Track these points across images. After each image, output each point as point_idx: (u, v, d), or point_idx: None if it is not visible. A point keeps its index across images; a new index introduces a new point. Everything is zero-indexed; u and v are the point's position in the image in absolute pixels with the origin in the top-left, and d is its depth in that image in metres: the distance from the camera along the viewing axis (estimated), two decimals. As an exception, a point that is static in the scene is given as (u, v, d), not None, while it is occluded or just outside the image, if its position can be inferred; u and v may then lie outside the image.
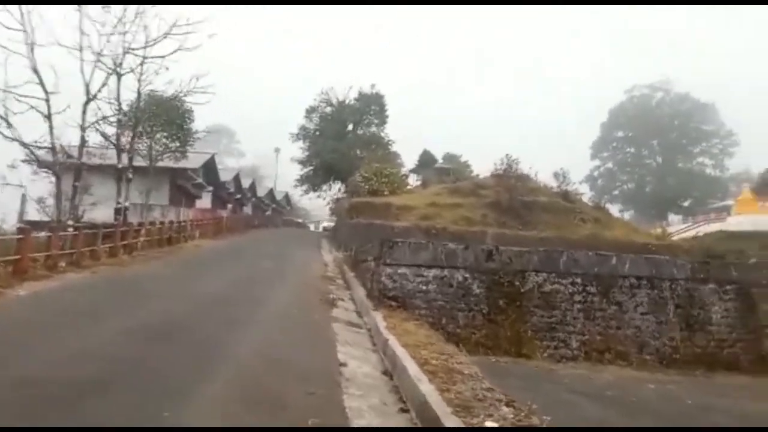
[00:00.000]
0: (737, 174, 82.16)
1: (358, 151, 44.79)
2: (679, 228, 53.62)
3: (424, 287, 11.69)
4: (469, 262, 11.99)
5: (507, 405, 5.66)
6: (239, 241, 29.85)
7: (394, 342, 8.06)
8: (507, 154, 33.57)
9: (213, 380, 5.49)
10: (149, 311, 8.90)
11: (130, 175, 22.20)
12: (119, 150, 21.71)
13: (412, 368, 6.65)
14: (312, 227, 66.36)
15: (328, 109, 48.53)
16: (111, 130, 22.06)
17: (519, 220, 31.65)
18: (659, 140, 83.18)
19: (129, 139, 22.30)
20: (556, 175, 38.48)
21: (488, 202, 32.85)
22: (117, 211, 21.64)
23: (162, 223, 22.53)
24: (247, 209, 58.62)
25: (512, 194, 31.97)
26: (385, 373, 7.32)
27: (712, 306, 13.09)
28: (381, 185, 34.49)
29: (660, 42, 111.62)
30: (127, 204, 22.16)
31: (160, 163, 27.68)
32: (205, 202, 41.53)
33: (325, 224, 58.54)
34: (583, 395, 7.68)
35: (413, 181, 46.05)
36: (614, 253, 13.12)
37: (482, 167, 46.37)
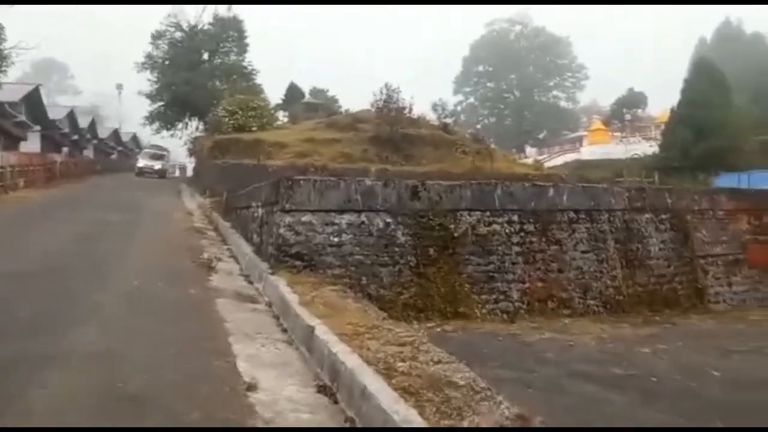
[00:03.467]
0: (587, 106, 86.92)
1: (217, 83, 39.81)
2: (538, 159, 54.84)
3: (336, 239, 8.87)
4: (391, 202, 9.33)
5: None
6: (78, 189, 24.85)
7: (324, 332, 5.27)
8: (386, 84, 31.03)
9: None
10: None
11: None
12: None
13: (380, 388, 3.92)
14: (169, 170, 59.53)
15: (178, 35, 42.44)
16: None
17: (400, 154, 29.55)
18: (517, 74, 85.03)
19: None
20: (434, 107, 36.84)
21: (368, 136, 30.30)
22: None
23: (-36, 170, 17.33)
24: (88, 153, 51.25)
25: (393, 127, 29.68)
26: (323, 390, 4.57)
27: (650, 238, 11.70)
28: (248, 120, 30.59)
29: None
30: None
31: (-38, 96, 21.68)
32: (33, 144, 34.72)
33: (145, 164, 39.41)
34: (592, 380, 5.49)
35: (281, 116, 42.09)
36: (551, 183, 11.17)
37: (351, 103, 43.56)
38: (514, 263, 10.16)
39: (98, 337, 5.11)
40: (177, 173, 55.12)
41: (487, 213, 10.11)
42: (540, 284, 10.28)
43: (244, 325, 6.24)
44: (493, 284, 9.87)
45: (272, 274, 8.18)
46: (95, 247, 10.21)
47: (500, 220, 10.19)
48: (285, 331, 6.29)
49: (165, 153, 42.90)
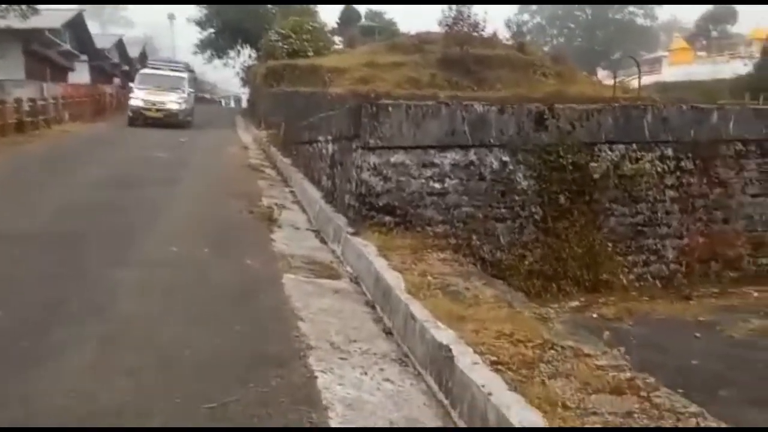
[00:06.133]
0: (667, 23, 79.46)
1: (269, 7, 37.02)
2: (624, 80, 49.90)
3: (437, 185, 6.56)
4: (509, 135, 6.87)
5: None
6: (126, 121, 23.11)
7: (471, 363, 3.09)
8: (456, -1, 27.61)
9: None
10: None
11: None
12: None
13: None
14: (223, 102, 57.70)
15: (227, -45, 39.43)
16: None
17: (472, 78, 26.47)
18: (589, -10, 77.82)
19: None
20: (507, 23, 33.24)
21: (436, 58, 27.15)
22: None
23: (1, 102, 15.69)
24: (141, 84, 49.76)
25: (464, 47, 26.51)
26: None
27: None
28: (303, 44, 27.91)
29: None
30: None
31: (1, 23, 19.92)
32: (82, 76, 33.24)
33: (144, 100, 20.67)
34: None
35: (337, 41, 39.14)
36: (715, 106, 8.41)
37: (410, 26, 40.00)
38: (668, 213, 7.66)
39: (95, 370, 3.06)
40: (232, 104, 53.29)
41: (634, 146, 7.54)
42: (701, 240, 7.77)
43: (328, 324, 4.11)
44: (642, 241, 7.45)
45: (355, 234, 6.00)
46: (130, 195, 8.25)
47: (650, 155, 7.60)
48: (389, 334, 4.14)
49: (185, 76, 25.53)
